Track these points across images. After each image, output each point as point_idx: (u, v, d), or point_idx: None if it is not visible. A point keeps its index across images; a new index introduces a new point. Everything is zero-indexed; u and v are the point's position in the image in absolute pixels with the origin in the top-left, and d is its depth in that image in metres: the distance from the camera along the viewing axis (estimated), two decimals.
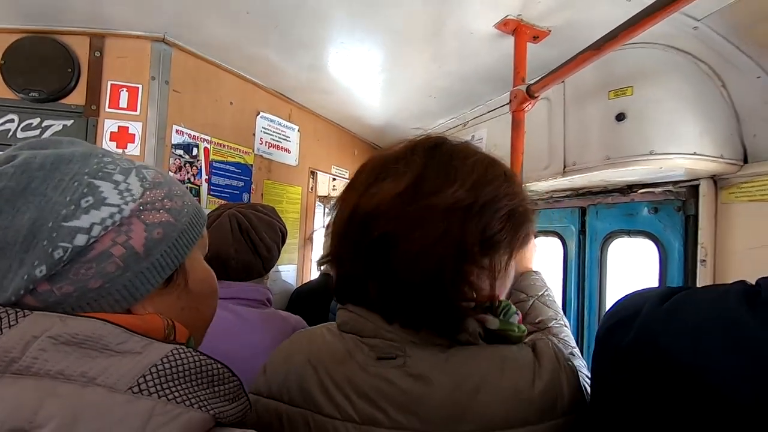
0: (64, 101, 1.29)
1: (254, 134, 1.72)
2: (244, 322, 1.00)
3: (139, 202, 0.41)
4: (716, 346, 0.36)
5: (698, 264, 1.09)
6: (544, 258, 1.60)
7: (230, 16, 1.23)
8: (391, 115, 2.01)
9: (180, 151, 1.41)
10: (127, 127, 1.31)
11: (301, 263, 2.02)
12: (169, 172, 1.35)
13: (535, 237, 0.69)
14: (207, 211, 1.26)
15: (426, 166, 0.52)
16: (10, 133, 1.25)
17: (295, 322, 1.08)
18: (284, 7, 1.15)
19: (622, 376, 0.43)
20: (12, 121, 1.26)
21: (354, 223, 0.53)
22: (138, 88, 1.32)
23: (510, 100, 1.18)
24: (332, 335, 0.58)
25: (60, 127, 1.28)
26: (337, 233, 0.56)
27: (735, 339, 0.35)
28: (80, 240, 0.37)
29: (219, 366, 0.39)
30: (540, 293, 0.85)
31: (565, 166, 1.28)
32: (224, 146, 1.58)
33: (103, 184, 0.40)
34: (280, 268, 1.87)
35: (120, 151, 1.30)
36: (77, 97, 1.29)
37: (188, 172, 1.44)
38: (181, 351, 0.36)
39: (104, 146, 1.27)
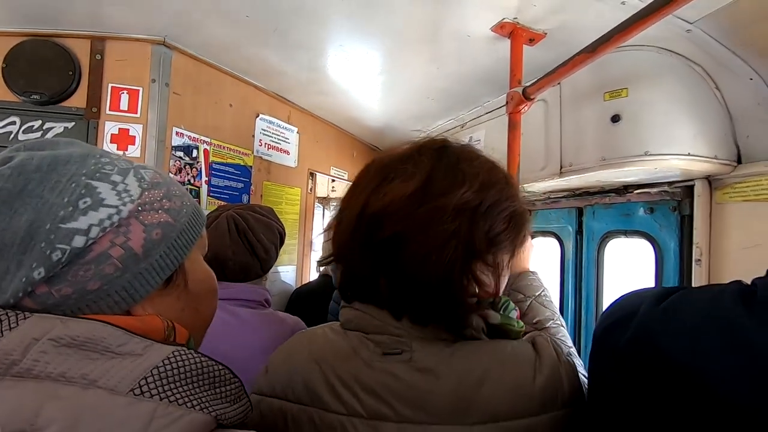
0: (65, 104, 1.30)
1: (254, 136, 1.73)
2: (242, 323, 1.01)
3: (138, 202, 0.41)
4: (714, 346, 0.36)
5: (693, 263, 1.10)
6: (542, 258, 1.61)
7: (230, 19, 1.24)
8: (390, 116, 2.02)
9: (180, 153, 1.42)
10: (128, 129, 1.32)
11: (300, 264, 2.03)
12: (169, 174, 1.36)
13: (533, 237, 0.71)
14: (206, 213, 1.27)
15: (434, 168, 0.54)
16: (12, 136, 1.26)
17: (293, 324, 1.09)
18: (283, 9, 1.17)
19: (620, 376, 0.44)
20: (14, 123, 1.27)
21: (363, 222, 0.54)
22: (138, 90, 1.33)
23: (507, 102, 1.19)
24: (336, 333, 0.59)
25: (61, 130, 1.29)
26: (345, 232, 0.57)
27: (732, 340, 0.35)
28: (78, 242, 0.37)
29: (220, 367, 0.39)
30: (537, 293, 0.86)
31: (561, 167, 1.29)
32: (224, 148, 1.59)
33: (101, 185, 0.39)
34: (280, 269, 1.88)
35: (121, 153, 1.31)
36: (78, 100, 1.30)
37: (188, 174, 1.45)
38: (182, 352, 0.36)
39: (105, 148, 1.28)
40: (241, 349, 0.94)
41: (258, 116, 1.74)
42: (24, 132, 1.27)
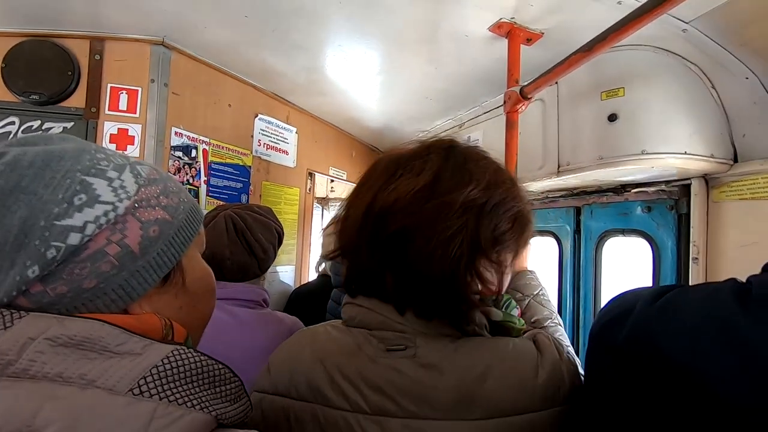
0: (64, 104, 1.30)
1: (252, 136, 1.73)
2: (240, 323, 1.01)
3: (134, 199, 0.40)
4: (713, 346, 0.36)
5: (690, 262, 1.11)
6: (540, 257, 1.62)
7: (229, 20, 1.24)
8: (389, 116, 2.03)
9: (179, 153, 1.42)
10: (127, 129, 1.33)
11: (299, 264, 2.03)
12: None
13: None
14: (205, 213, 1.27)
15: (442, 167, 0.55)
16: (11, 136, 1.27)
17: (292, 323, 1.08)
18: (282, 10, 1.17)
19: (617, 373, 0.44)
20: (13, 123, 1.27)
21: (370, 218, 0.55)
22: (137, 90, 1.33)
23: (504, 102, 1.20)
24: (338, 331, 0.60)
25: (60, 130, 1.29)
26: (352, 228, 0.58)
27: (728, 338, 0.36)
28: (74, 239, 0.36)
29: (220, 366, 0.38)
30: (535, 292, 0.87)
31: (559, 166, 1.29)
32: (223, 148, 1.59)
33: (97, 181, 0.38)
34: (279, 269, 1.88)
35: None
36: (77, 100, 1.31)
37: (187, 174, 1.46)
38: (182, 352, 0.36)
39: None
40: (239, 349, 0.94)
41: (257, 116, 1.75)
42: (23, 132, 1.27)
